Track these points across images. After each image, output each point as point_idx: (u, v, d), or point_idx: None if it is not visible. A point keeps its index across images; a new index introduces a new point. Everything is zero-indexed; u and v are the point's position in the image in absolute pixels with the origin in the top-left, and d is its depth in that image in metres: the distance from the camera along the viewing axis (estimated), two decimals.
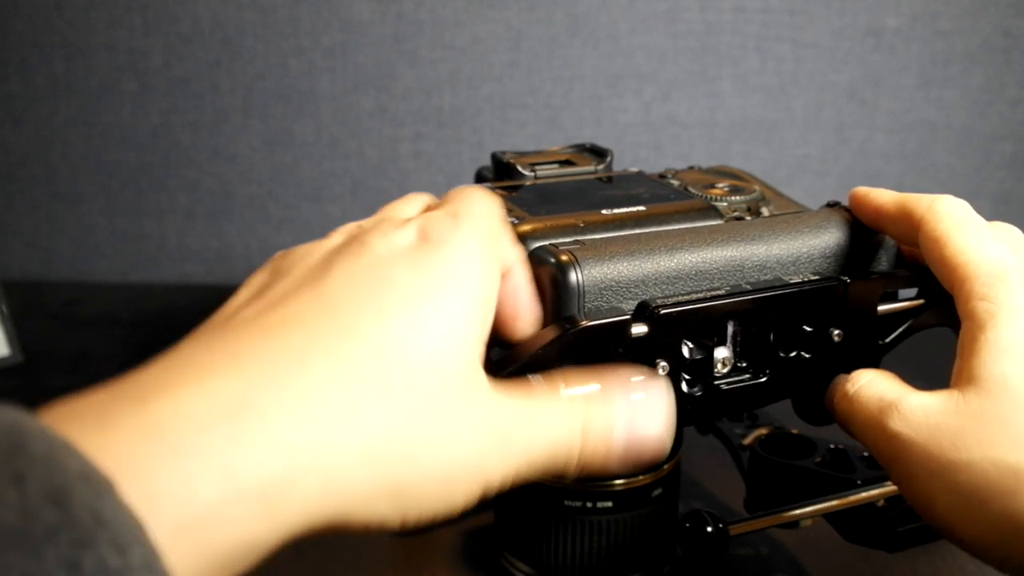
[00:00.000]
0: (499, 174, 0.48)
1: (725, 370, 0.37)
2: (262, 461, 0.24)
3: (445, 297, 0.28)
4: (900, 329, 0.40)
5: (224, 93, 0.85)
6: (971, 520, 0.32)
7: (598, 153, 0.50)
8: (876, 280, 0.39)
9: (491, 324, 0.31)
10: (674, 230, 0.39)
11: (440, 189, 0.48)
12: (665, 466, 0.45)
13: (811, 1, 0.82)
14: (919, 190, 0.39)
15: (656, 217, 0.41)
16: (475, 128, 0.85)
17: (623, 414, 0.32)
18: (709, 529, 0.41)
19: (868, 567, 0.49)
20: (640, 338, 0.35)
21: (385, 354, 0.26)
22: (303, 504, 0.24)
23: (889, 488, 0.42)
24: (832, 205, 0.42)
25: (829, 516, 0.44)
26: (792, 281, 0.38)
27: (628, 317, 0.34)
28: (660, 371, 0.35)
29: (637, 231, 0.40)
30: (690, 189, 0.45)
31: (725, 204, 0.43)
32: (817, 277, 0.38)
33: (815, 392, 0.39)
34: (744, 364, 0.38)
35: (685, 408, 0.37)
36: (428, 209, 0.35)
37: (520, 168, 0.47)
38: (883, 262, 0.41)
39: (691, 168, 0.50)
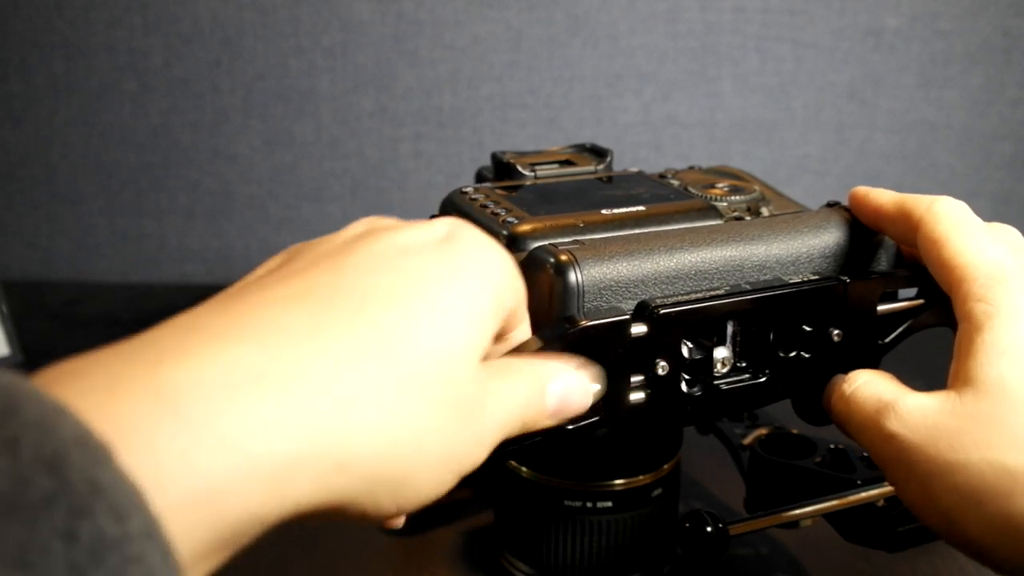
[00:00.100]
0: (499, 174, 0.48)
1: (725, 370, 0.37)
2: (276, 436, 0.23)
3: (466, 291, 0.28)
4: (900, 329, 0.40)
5: (224, 93, 0.85)
6: (967, 521, 0.32)
7: (598, 153, 0.50)
8: (876, 280, 0.39)
9: (502, 322, 0.30)
10: (674, 230, 0.39)
11: (440, 189, 0.48)
12: (665, 466, 0.45)
13: (811, 1, 0.82)
14: (919, 190, 0.39)
15: (656, 217, 0.41)
16: (475, 128, 0.85)
17: (558, 367, 0.32)
18: (709, 529, 0.41)
19: (868, 567, 0.49)
20: (639, 338, 0.35)
21: (402, 340, 0.26)
22: (312, 483, 0.24)
23: (889, 488, 0.42)
24: (832, 205, 0.42)
25: (829, 516, 0.44)
26: (792, 281, 0.38)
27: (628, 317, 0.34)
28: (660, 371, 0.35)
29: (637, 231, 0.40)
30: (690, 189, 0.45)
31: (725, 204, 0.43)
32: (817, 277, 0.38)
33: (815, 392, 0.39)
34: (744, 364, 0.38)
35: (685, 408, 0.37)
36: None
37: (520, 168, 0.47)
38: (883, 262, 0.41)
39: (691, 168, 0.50)
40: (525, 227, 0.39)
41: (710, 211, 0.42)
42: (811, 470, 0.45)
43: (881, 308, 0.39)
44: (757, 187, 0.45)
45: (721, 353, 0.37)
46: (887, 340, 0.40)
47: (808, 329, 0.38)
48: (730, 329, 0.38)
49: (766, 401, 0.39)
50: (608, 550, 0.44)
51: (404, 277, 0.27)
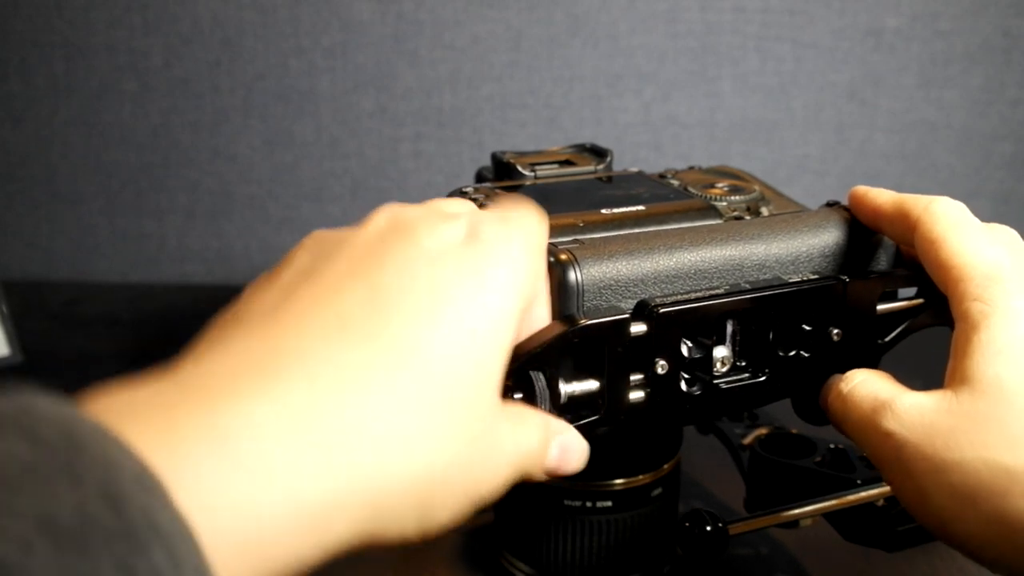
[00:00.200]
0: (499, 174, 0.48)
1: (724, 369, 0.37)
2: (322, 481, 0.23)
3: (495, 304, 0.28)
4: (899, 328, 0.40)
5: (224, 93, 0.85)
6: (963, 520, 0.32)
7: (598, 153, 0.50)
8: (875, 279, 0.39)
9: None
10: (673, 229, 0.39)
11: (440, 189, 0.48)
12: (665, 466, 0.45)
13: (811, 1, 0.82)
14: (919, 190, 0.39)
15: (656, 217, 0.41)
16: (475, 128, 0.85)
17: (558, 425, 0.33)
18: (708, 529, 0.41)
19: (868, 567, 0.49)
20: (639, 337, 0.35)
21: (434, 370, 0.26)
22: (349, 524, 0.24)
23: (888, 488, 0.42)
24: (831, 205, 0.42)
25: (829, 516, 0.44)
26: (791, 280, 0.38)
27: (627, 316, 0.34)
28: (659, 370, 0.35)
29: (637, 231, 0.40)
30: (690, 189, 0.45)
31: (725, 204, 0.43)
32: (816, 276, 0.38)
33: (814, 391, 0.39)
34: (743, 363, 0.38)
35: (684, 407, 0.37)
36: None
37: (520, 168, 0.47)
38: (882, 261, 0.41)
39: (691, 168, 0.50)
40: None
41: (710, 211, 0.42)
42: (811, 470, 0.45)
43: (880, 307, 0.39)
44: (757, 187, 0.45)
45: (721, 352, 0.37)
46: (886, 339, 0.40)
47: (807, 328, 0.38)
48: (730, 328, 0.38)
49: (766, 400, 0.39)
50: (608, 550, 0.44)
51: (433, 297, 0.27)
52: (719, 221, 0.42)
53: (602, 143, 0.51)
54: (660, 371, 0.35)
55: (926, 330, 0.40)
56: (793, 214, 0.42)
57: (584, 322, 0.34)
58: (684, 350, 0.37)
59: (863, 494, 0.43)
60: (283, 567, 0.23)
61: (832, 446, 0.46)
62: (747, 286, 0.37)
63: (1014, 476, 0.31)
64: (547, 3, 0.82)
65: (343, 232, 0.30)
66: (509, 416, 0.30)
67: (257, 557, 0.22)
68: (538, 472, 0.31)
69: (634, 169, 0.50)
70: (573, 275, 0.35)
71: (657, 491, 0.44)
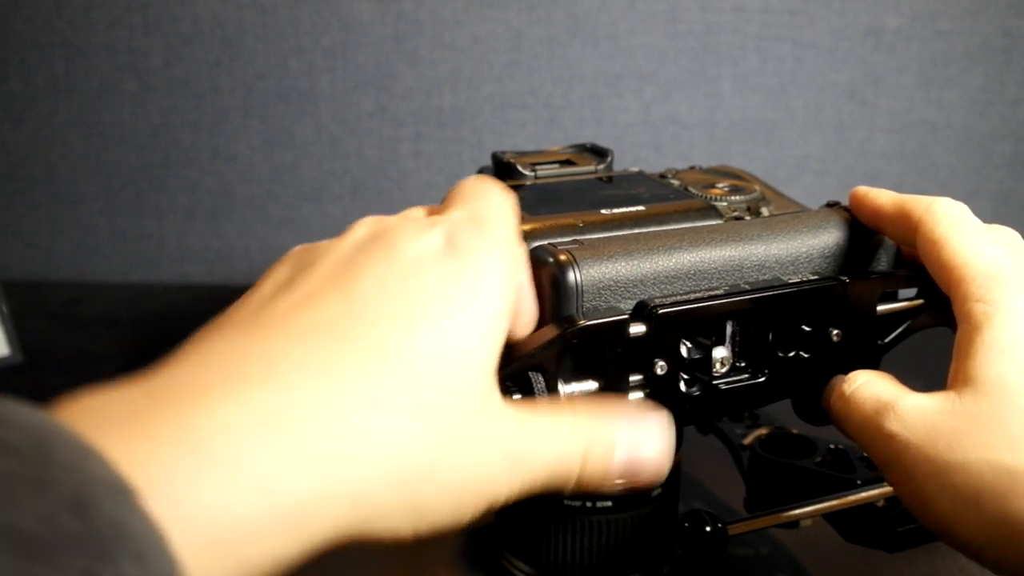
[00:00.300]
0: (499, 174, 0.48)
1: (724, 370, 0.37)
2: (297, 478, 0.23)
3: (471, 313, 0.28)
4: (899, 329, 0.40)
5: (224, 93, 0.85)
6: (966, 521, 0.32)
7: (598, 153, 0.50)
8: (875, 280, 0.39)
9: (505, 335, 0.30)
10: (673, 230, 0.39)
11: (440, 189, 0.48)
12: None
13: (811, 1, 0.82)
14: (919, 190, 0.39)
15: (655, 217, 0.41)
16: (475, 128, 0.85)
17: (624, 437, 0.31)
18: (708, 529, 0.41)
19: (868, 567, 0.49)
20: (638, 338, 0.35)
21: (415, 370, 0.26)
22: (330, 521, 0.24)
23: (889, 488, 0.42)
24: (832, 205, 0.42)
25: (829, 516, 0.44)
26: (791, 281, 0.38)
27: (626, 317, 0.34)
28: (659, 371, 0.35)
29: (636, 231, 0.40)
30: (690, 189, 0.45)
31: (725, 204, 0.43)
32: (816, 277, 0.38)
33: (814, 392, 0.39)
34: (743, 364, 0.38)
35: (684, 408, 0.37)
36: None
37: (520, 168, 0.47)
38: (883, 262, 0.41)
39: (691, 168, 0.50)
40: (525, 227, 0.39)
41: (710, 211, 0.42)
42: (811, 470, 0.45)
43: (881, 308, 0.39)
44: (757, 187, 0.45)
45: (720, 353, 0.37)
46: (887, 340, 0.40)
47: (807, 329, 0.38)
48: (729, 329, 0.38)
49: (765, 401, 0.39)
50: (608, 550, 0.44)
51: (413, 304, 0.28)
52: (719, 221, 0.42)
53: (602, 143, 0.51)
54: (659, 372, 0.35)
55: (927, 331, 0.40)
56: (793, 214, 0.42)
57: (583, 323, 0.34)
58: (683, 351, 0.36)
59: (863, 494, 0.43)
60: (262, 565, 0.23)
61: (832, 446, 0.46)
62: (747, 287, 0.37)
63: (1017, 477, 0.31)
64: (547, 3, 0.82)
65: (323, 244, 0.31)
66: (519, 417, 0.29)
67: (234, 556, 0.22)
68: (575, 480, 0.30)
69: (634, 169, 0.50)
70: (572, 275, 0.35)
71: (657, 491, 0.44)
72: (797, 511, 0.43)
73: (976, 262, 0.35)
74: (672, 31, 0.83)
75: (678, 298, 0.36)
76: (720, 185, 0.45)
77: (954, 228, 0.36)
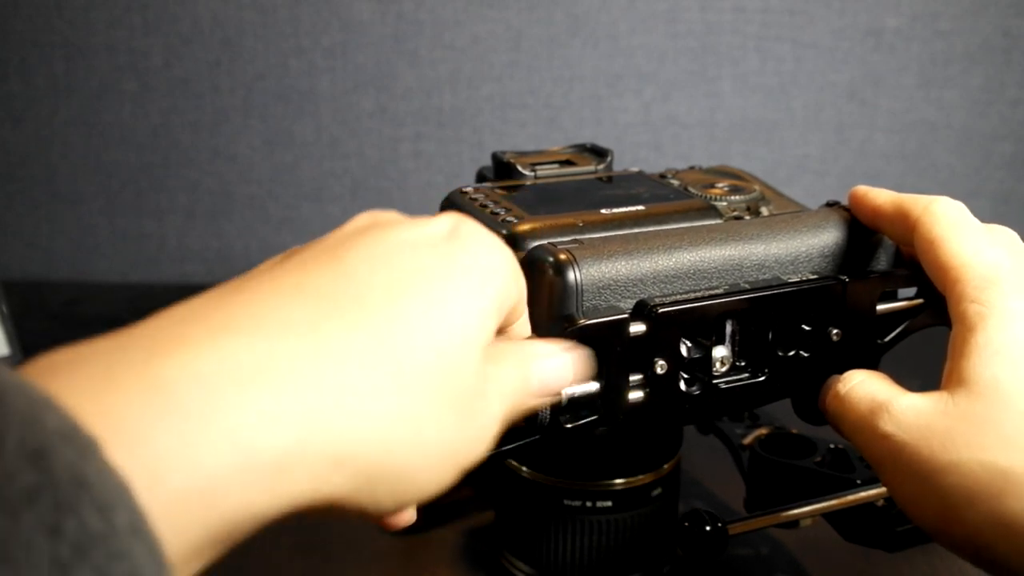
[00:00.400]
0: (499, 174, 0.48)
1: (724, 369, 0.37)
2: (273, 430, 0.23)
3: (467, 286, 0.28)
4: (899, 329, 0.40)
5: (224, 93, 0.85)
6: (959, 521, 0.32)
7: (598, 153, 0.50)
8: (875, 280, 0.39)
9: (503, 317, 0.30)
10: (673, 229, 0.39)
11: (440, 189, 0.48)
12: (665, 466, 0.45)
13: (811, 1, 0.82)
14: (919, 190, 0.39)
15: (655, 217, 0.41)
16: (475, 128, 0.85)
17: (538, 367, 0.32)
18: (708, 528, 0.41)
19: (868, 567, 0.49)
20: (638, 337, 0.35)
21: (401, 333, 0.26)
22: (310, 479, 0.23)
23: None
24: (831, 205, 0.42)
25: (829, 516, 0.44)
26: (790, 280, 0.38)
27: (626, 316, 0.34)
28: (659, 370, 0.35)
29: (636, 231, 0.40)
30: (690, 189, 0.45)
31: (725, 204, 0.43)
32: (815, 276, 0.38)
33: (814, 391, 0.39)
34: (743, 363, 0.38)
35: (683, 407, 0.37)
36: None
37: (520, 168, 0.47)
38: (882, 261, 0.41)
39: (691, 168, 0.50)
40: (525, 227, 0.39)
41: (710, 211, 0.42)
42: (811, 470, 0.45)
43: (880, 308, 0.39)
44: (757, 187, 0.45)
45: (720, 352, 0.37)
46: (886, 339, 0.40)
47: (807, 328, 0.38)
48: (729, 328, 0.38)
49: (765, 400, 0.39)
50: (608, 550, 0.44)
51: (405, 272, 0.27)
52: (719, 221, 0.42)
53: (602, 143, 0.51)
54: (659, 371, 0.35)
55: (925, 330, 0.40)
56: (793, 214, 0.42)
57: (583, 322, 0.34)
58: (683, 350, 0.36)
59: (863, 494, 0.43)
60: (235, 520, 0.22)
61: (832, 446, 0.46)
62: (746, 286, 0.37)
63: (1010, 478, 0.31)
64: (547, 3, 0.82)
65: (324, 236, 0.30)
66: (488, 359, 0.29)
67: (205, 509, 0.21)
68: (528, 401, 0.31)
69: (634, 169, 0.50)
70: (572, 275, 0.35)
71: (657, 491, 0.44)
72: (797, 511, 0.43)
73: (973, 263, 0.35)
74: (672, 31, 0.83)
75: (678, 297, 0.36)
76: (720, 185, 0.45)
77: (952, 228, 0.36)
